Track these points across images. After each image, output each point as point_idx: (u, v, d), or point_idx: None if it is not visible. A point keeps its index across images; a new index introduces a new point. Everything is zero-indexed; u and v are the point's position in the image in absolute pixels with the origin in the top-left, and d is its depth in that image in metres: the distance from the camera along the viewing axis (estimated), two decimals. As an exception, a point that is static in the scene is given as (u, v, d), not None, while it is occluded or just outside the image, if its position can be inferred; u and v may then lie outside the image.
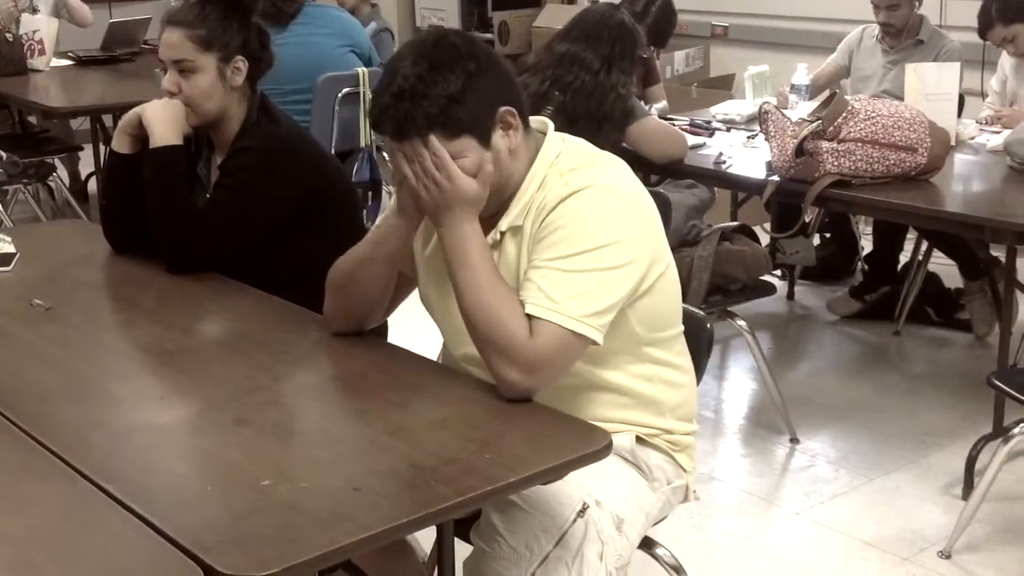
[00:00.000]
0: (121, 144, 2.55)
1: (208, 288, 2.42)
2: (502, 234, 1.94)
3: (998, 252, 3.79)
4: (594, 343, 1.84)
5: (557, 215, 1.87)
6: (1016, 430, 2.69)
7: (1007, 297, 3.21)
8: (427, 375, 1.99)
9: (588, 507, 1.88)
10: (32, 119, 5.83)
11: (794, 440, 3.56)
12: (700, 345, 2.22)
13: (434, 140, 1.84)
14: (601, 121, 3.52)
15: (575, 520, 1.86)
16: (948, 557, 2.91)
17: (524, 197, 1.93)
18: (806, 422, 3.63)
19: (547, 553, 1.84)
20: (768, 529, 3.09)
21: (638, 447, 2.04)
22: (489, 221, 1.94)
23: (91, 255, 2.65)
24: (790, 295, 4.82)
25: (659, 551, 2.17)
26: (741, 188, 4.08)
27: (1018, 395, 2.66)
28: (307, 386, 2.04)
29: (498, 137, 1.89)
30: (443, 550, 1.79)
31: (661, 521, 2.16)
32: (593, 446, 1.71)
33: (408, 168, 1.87)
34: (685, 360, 2.10)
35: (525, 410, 1.82)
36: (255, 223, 2.50)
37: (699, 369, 2.18)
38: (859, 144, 3.33)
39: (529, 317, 1.82)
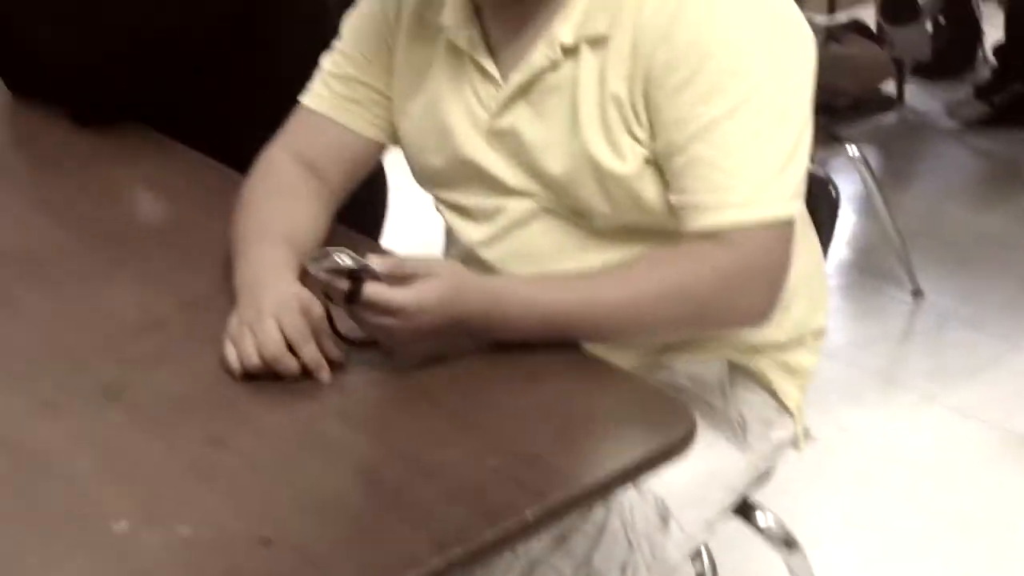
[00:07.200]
0: None
1: (125, 151, 1.70)
2: (565, 50, 1.23)
3: None
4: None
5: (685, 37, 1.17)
6: None
7: None
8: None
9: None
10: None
11: (917, 293, 2.84)
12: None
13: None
14: None
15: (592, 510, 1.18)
16: None
17: None
18: (928, 267, 2.90)
19: (534, 558, 1.16)
20: (888, 423, 2.42)
21: (729, 382, 1.38)
22: (532, 29, 1.25)
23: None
24: (899, 97, 4.00)
25: (761, 520, 1.51)
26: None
27: None
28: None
29: None
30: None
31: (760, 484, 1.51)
32: (662, 438, 1.04)
33: None
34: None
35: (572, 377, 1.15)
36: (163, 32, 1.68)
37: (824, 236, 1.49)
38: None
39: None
